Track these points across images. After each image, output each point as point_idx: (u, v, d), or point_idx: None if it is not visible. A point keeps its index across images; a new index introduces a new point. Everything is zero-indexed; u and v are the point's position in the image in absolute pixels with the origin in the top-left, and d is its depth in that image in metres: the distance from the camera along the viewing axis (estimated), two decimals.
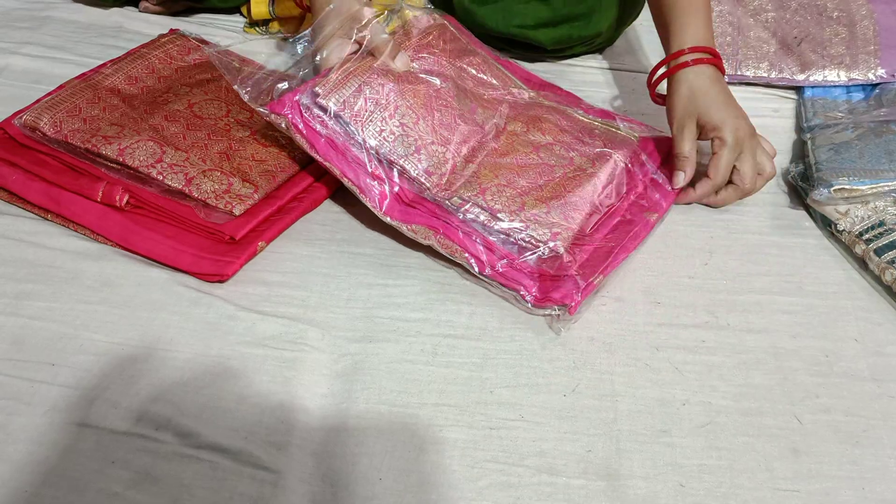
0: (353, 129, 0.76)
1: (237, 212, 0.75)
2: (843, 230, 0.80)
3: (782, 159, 0.93)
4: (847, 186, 0.81)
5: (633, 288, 0.76)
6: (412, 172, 0.76)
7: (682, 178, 0.83)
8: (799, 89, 1.05)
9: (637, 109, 1.01)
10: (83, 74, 0.89)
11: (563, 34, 1.03)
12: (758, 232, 0.83)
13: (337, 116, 0.76)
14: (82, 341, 0.66)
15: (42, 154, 0.79)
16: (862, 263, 0.79)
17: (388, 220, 0.75)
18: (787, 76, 1.04)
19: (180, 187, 0.75)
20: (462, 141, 0.80)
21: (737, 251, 0.80)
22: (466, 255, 0.73)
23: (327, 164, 0.75)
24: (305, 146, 0.75)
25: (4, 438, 0.59)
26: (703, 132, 0.83)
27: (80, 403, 0.61)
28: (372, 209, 0.76)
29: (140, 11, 1.11)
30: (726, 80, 0.87)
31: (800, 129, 0.98)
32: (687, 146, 0.83)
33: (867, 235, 0.79)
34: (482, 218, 0.75)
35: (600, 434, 0.63)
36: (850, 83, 1.03)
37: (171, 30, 0.99)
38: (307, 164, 0.83)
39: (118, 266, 0.73)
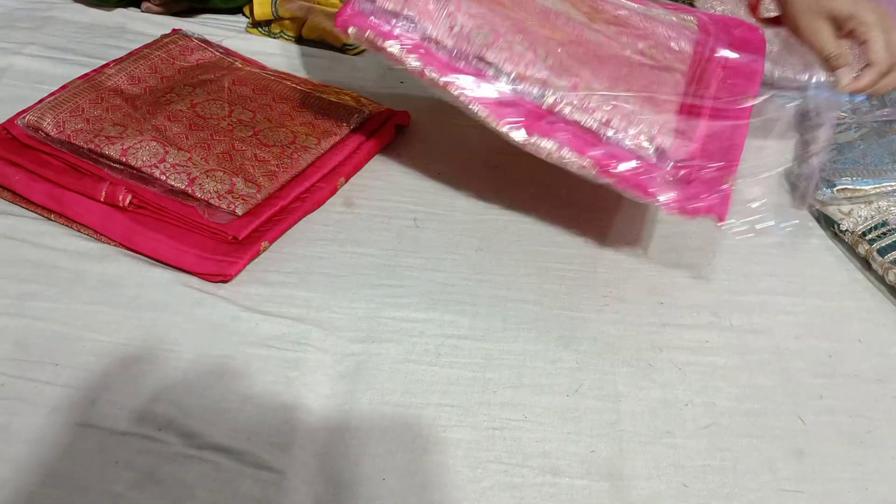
0: (426, 27, 0.71)
1: (240, 212, 0.75)
2: (847, 230, 0.80)
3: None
4: (850, 186, 0.81)
5: (636, 288, 0.76)
6: (497, 63, 0.70)
7: (846, 74, 0.77)
8: (802, 89, 1.04)
9: None
10: (86, 75, 0.89)
11: None
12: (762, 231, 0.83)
13: (407, 18, 0.70)
14: (85, 342, 0.66)
15: (45, 154, 0.79)
16: (865, 264, 0.79)
17: (514, 134, 0.70)
18: (790, 75, 1.04)
19: (183, 187, 0.75)
20: (537, 24, 0.75)
21: (740, 252, 0.80)
22: (602, 162, 0.69)
23: (440, 77, 0.70)
24: (410, 63, 0.70)
25: (7, 438, 0.59)
26: (838, 28, 0.78)
27: (83, 404, 0.61)
28: (497, 127, 0.70)
29: (142, 12, 1.10)
30: None
31: None
32: (831, 44, 0.77)
33: (870, 235, 0.78)
34: (579, 118, 0.70)
35: (603, 435, 0.63)
36: None
37: (174, 30, 0.99)
38: (309, 164, 0.82)
39: (121, 266, 0.73)
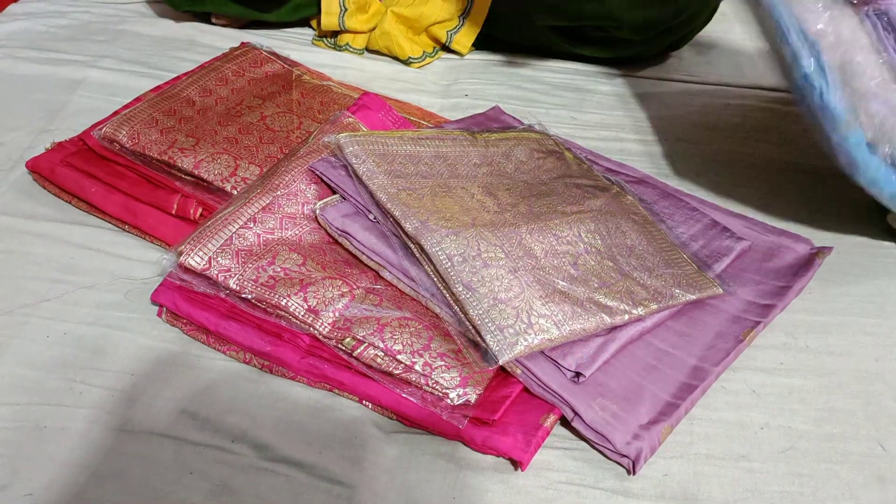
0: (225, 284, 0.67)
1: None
2: None
3: None
4: None
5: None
6: (296, 312, 0.65)
7: None
8: None
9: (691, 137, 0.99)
10: (159, 87, 0.91)
11: (651, 16, 1.01)
12: (836, 251, 0.80)
13: (205, 277, 0.67)
14: (158, 352, 0.67)
15: (120, 166, 0.81)
16: None
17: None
18: None
19: None
20: (364, 270, 0.70)
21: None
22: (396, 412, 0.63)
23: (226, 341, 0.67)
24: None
25: (85, 447, 0.60)
26: None
27: (160, 414, 0.62)
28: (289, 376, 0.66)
29: (212, 23, 1.12)
30: None
31: None
32: None
33: None
34: (380, 362, 0.62)
35: (677, 457, 0.62)
36: None
37: (243, 43, 1.00)
38: None
39: None
